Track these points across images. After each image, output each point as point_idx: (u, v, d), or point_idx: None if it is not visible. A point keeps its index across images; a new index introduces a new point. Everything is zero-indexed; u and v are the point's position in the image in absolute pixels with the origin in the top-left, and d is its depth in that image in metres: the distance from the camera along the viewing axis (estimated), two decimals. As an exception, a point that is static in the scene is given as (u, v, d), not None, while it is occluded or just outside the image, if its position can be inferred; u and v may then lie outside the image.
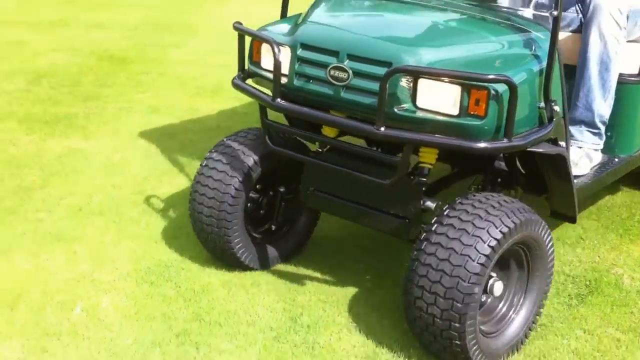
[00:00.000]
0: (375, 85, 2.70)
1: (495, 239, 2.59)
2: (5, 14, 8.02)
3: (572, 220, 3.23)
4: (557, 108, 2.87)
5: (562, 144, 3.00)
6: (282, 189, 3.29)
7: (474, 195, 2.77)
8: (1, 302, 3.06)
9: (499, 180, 3.30)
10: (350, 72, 2.79)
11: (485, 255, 2.57)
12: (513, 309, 2.89)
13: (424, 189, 2.96)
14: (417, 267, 2.63)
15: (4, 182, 4.10)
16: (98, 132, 4.84)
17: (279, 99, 2.94)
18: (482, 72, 2.64)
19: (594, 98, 3.45)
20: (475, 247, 2.57)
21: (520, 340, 2.89)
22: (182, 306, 3.09)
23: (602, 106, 3.48)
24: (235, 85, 3.19)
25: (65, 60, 6.37)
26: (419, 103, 2.69)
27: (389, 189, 2.88)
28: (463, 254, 2.56)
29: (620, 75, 3.48)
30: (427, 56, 2.73)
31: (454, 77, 2.63)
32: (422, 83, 2.67)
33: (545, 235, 2.84)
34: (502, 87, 2.61)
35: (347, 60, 2.81)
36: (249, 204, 3.20)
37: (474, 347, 2.66)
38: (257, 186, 3.24)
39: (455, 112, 2.65)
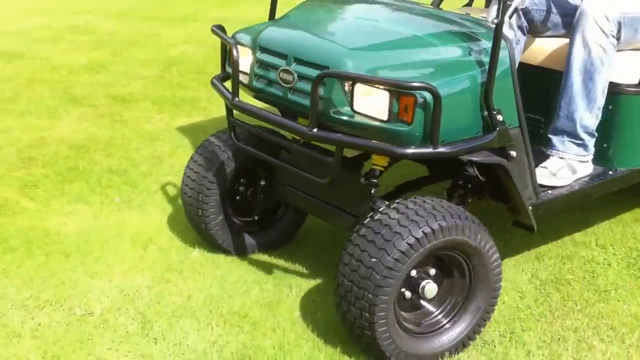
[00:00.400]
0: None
1: (415, 237, 2.61)
2: (145, 11, 8.99)
3: (531, 229, 3.16)
4: (500, 117, 2.83)
5: (514, 153, 2.94)
6: (262, 182, 3.44)
7: (414, 198, 2.79)
8: (136, 244, 3.75)
9: (470, 186, 3.24)
10: (296, 75, 2.87)
11: (401, 252, 2.59)
12: (449, 318, 2.89)
13: (373, 190, 2.99)
14: (343, 255, 2.72)
15: (140, 151, 4.87)
16: (217, 113, 5.55)
17: (237, 98, 3.08)
18: (420, 79, 2.66)
19: (576, 108, 3.35)
20: (393, 243, 2.60)
21: (449, 350, 2.88)
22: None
23: (586, 116, 3.37)
24: (212, 84, 3.33)
25: (193, 51, 7.17)
26: (356, 107, 2.75)
27: (343, 188, 3.00)
28: (381, 247, 2.61)
29: (619, 85, 3.41)
30: (363, 61, 2.77)
31: (379, 84, 2.67)
32: (358, 88, 2.72)
33: (486, 245, 2.80)
34: (430, 95, 2.62)
35: (294, 64, 2.90)
36: (226, 195, 3.45)
37: (387, 341, 2.70)
38: (241, 179, 3.49)
39: (385, 117, 2.69)
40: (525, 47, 3.57)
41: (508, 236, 3.79)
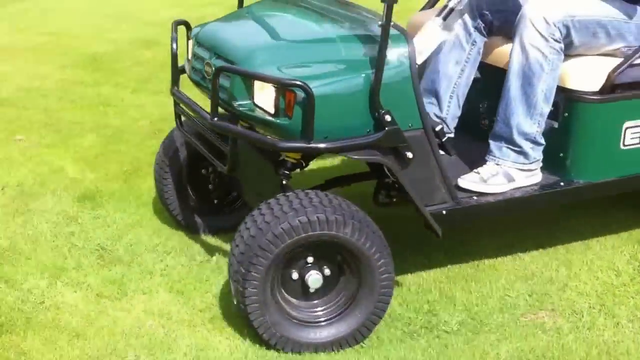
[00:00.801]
0: (226, 82, 2.93)
1: (290, 224, 2.73)
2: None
3: (436, 234, 3.07)
4: (388, 117, 2.84)
5: (410, 154, 2.92)
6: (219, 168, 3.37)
7: (310, 190, 2.90)
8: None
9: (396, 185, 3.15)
10: (214, 68, 3.00)
11: (274, 235, 2.72)
12: (328, 317, 2.93)
13: (285, 181, 3.10)
14: (236, 232, 2.88)
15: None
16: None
17: (176, 87, 3.32)
18: (311, 77, 2.78)
19: (513, 113, 3.24)
20: (270, 225, 2.74)
21: (324, 346, 2.91)
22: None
23: (525, 123, 3.24)
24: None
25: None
26: (256, 101, 2.88)
27: (265, 178, 3.17)
28: (259, 228, 2.76)
29: (577, 92, 3.26)
30: (261, 58, 2.91)
31: (261, 80, 2.83)
32: (256, 83, 2.85)
33: (372, 249, 2.82)
34: (313, 91, 2.73)
35: (214, 58, 3.08)
36: (185, 179, 3.68)
37: (259, 319, 2.82)
38: (202, 164, 3.64)
39: (273, 111, 2.83)
40: (491, 49, 3.52)
41: (609, 219, 3.94)
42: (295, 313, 2.90)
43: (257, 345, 2.94)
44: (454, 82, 3.50)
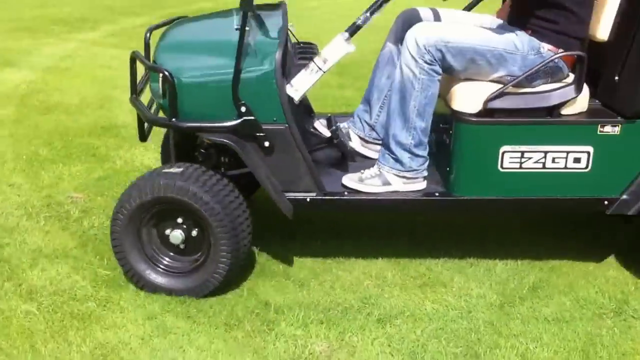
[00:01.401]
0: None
1: (145, 186, 3.36)
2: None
3: (287, 215, 3.48)
4: (243, 109, 3.33)
5: (267, 143, 3.39)
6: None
7: (185, 164, 3.46)
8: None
9: None
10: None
11: (130, 194, 3.39)
12: (176, 269, 3.53)
13: (201, 158, 3.71)
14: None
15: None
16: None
17: (134, 95, 3.66)
18: (188, 69, 3.37)
19: (391, 124, 3.50)
20: (132, 186, 3.41)
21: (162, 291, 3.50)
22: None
23: (401, 134, 3.48)
24: None
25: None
26: (157, 86, 3.53)
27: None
28: (127, 188, 3.45)
29: (458, 112, 3.44)
30: (165, 53, 3.51)
31: (141, 63, 3.53)
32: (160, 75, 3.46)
33: (214, 215, 3.32)
34: (179, 79, 3.34)
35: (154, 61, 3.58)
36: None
37: (124, 263, 3.50)
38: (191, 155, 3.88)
39: (161, 93, 3.47)
40: None
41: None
42: (158, 260, 3.53)
43: (457, 310, 3.33)
44: (385, 94, 3.85)
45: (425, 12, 3.80)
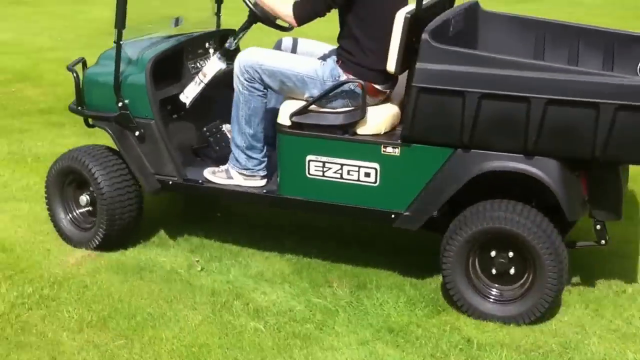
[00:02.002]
0: None
1: (63, 159, 4.55)
2: None
3: (151, 191, 4.51)
4: (120, 104, 4.34)
5: (138, 132, 4.34)
6: None
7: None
8: None
9: None
10: None
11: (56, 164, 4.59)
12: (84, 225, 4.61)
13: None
14: None
15: None
16: None
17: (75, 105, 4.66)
18: (93, 70, 4.57)
19: (232, 129, 4.27)
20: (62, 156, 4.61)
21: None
22: None
23: (237, 138, 4.24)
24: None
25: None
26: None
27: None
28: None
29: (279, 124, 4.09)
30: (94, 65, 4.64)
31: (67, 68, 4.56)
32: None
33: (98, 179, 4.35)
34: (85, 79, 4.55)
35: None
36: None
37: (56, 221, 4.64)
38: None
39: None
40: None
41: None
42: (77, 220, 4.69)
43: None
44: None
45: (287, 41, 4.49)
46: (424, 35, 3.69)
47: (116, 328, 3.76)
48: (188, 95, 4.38)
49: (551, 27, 4.52)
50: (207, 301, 3.99)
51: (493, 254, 3.81)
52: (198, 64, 4.65)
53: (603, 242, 3.92)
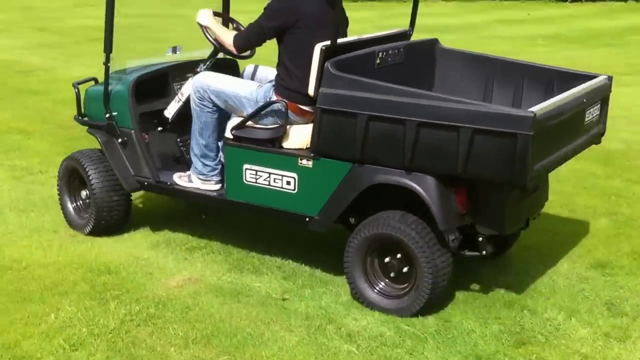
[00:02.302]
0: None
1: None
2: None
3: (127, 189, 5.35)
4: (108, 115, 5.22)
5: (120, 140, 5.26)
6: None
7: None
8: None
9: None
10: None
11: None
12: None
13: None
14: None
15: None
16: None
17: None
18: (94, 87, 5.57)
19: (191, 138, 5.07)
20: None
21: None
22: None
23: (195, 147, 5.05)
24: None
25: None
26: None
27: None
28: None
29: (225, 137, 4.86)
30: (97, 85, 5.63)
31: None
32: None
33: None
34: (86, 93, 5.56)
35: None
36: None
37: (67, 212, 5.62)
38: None
39: None
40: None
41: None
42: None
43: None
44: None
45: (249, 68, 5.29)
46: (327, 64, 4.37)
47: (219, 345, 4.02)
48: (170, 111, 5.26)
49: (500, 63, 5.12)
50: (302, 324, 4.23)
51: (387, 255, 4.38)
52: (182, 85, 5.34)
53: (484, 252, 4.41)
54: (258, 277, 4.81)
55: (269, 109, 4.64)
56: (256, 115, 4.68)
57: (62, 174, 5.54)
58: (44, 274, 4.81)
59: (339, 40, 4.52)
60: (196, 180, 5.09)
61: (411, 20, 5.31)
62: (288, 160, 4.61)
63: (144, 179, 5.23)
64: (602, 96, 4.72)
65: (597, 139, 4.80)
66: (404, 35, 5.25)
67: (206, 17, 4.93)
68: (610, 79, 4.81)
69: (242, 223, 5.68)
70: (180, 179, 5.16)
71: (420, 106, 4.08)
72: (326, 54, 4.41)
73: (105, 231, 5.36)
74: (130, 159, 5.24)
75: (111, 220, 5.35)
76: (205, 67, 5.16)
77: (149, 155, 5.23)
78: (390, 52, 4.86)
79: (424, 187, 4.18)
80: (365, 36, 4.92)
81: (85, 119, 5.55)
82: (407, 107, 4.10)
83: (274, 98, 4.65)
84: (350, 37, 4.82)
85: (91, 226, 5.35)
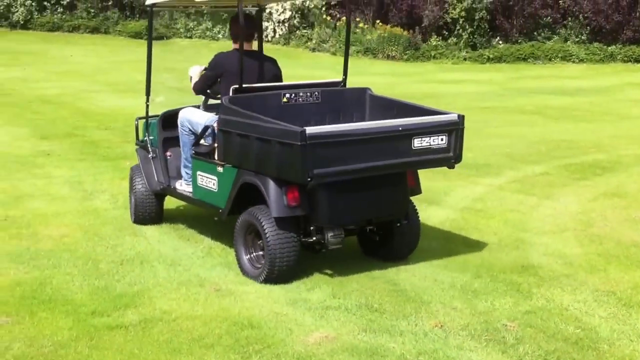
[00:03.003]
0: None
1: None
2: None
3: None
4: (145, 138, 7.37)
5: (142, 152, 7.45)
6: None
7: None
8: None
9: None
10: None
11: None
12: None
13: None
14: None
15: None
16: None
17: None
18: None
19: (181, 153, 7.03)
20: None
21: None
22: None
23: (182, 160, 6.99)
24: None
25: None
26: None
27: None
28: None
29: (194, 152, 6.71)
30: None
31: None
32: None
33: None
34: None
35: None
36: None
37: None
38: None
39: None
40: None
41: None
42: None
43: None
44: None
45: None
46: (223, 99, 6.24)
47: (357, 402, 4.21)
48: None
49: (396, 104, 6.66)
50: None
51: (259, 237, 5.97)
52: None
53: (313, 239, 5.91)
54: (392, 338, 4.98)
55: (208, 131, 6.52)
56: (202, 136, 6.60)
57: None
58: (192, 326, 5.15)
59: (260, 85, 6.57)
60: (183, 184, 7.00)
61: (344, 71, 6.99)
62: (213, 167, 6.42)
63: (161, 183, 7.17)
64: (447, 129, 6.01)
65: (446, 164, 6.14)
66: (337, 83, 7.00)
67: (194, 71, 6.91)
68: (460, 117, 6.07)
69: (376, 284, 5.87)
70: (177, 184, 7.11)
71: (257, 126, 5.81)
72: (234, 93, 6.31)
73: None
74: (156, 169, 7.21)
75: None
76: (202, 105, 7.06)
77: (166, 167, 7.22)
78: (301, 94, 6.60)
79: (264, 185, 5.82)
80: (294, 82, 6.78)
81: (139, 143, 7.62)
82: (249, 127, 5.90)
83: (215, 124, 6.41)
84: (282, 83, 6.77)
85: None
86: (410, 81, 19.78)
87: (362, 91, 6.89)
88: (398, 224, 6.18)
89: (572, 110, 15.34)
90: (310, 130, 5.47)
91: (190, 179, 6.77)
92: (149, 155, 7.22)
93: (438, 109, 6.34)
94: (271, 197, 5.72)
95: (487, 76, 21.15)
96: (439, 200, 8.45)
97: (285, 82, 6.80)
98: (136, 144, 7.62)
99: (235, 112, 6.02)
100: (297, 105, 6.54)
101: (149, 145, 7.25)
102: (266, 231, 5.75)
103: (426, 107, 6.45)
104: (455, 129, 6.02)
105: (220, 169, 6.27)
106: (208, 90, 6.84)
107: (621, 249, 6.78)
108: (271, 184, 5.74)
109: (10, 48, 24.73)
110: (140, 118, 7.59)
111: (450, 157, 6.06)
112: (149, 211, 7.28)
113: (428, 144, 5.90)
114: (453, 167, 6.17)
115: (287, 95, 6.52)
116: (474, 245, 6.86)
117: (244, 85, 6.31)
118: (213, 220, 6.83)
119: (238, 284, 5.89)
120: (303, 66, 20.04)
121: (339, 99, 6.77)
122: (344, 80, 6.99)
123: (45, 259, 6.41)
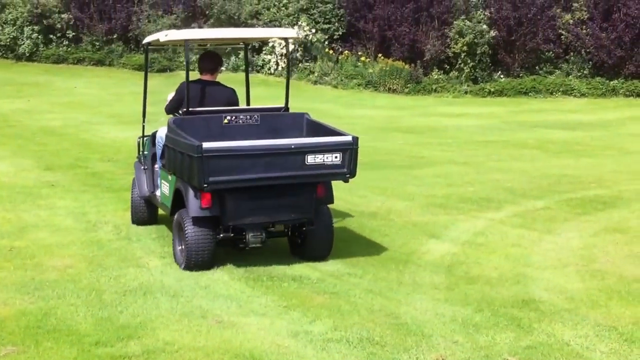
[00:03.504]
0: None
1: None
2: None
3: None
4: (142, 153, 8.76)
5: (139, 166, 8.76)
6: None
7: None
8: None
9: None
10: None
11: None
12: None
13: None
14: None
15: None
16: None
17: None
18: None
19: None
20: None
21: None
22: None
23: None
24: None
25: None
26: None
27: None
28: None
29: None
30: None
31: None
32: None
33: None
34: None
35: None
36: None
37: None
38: None
39: None
40: None
41: None
42: None
43: None
44: None
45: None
46: (169, 119, 7.36)
47: None
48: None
49: (324, 128, 7.54)
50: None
51: None
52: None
53: (220, 237, 7.05)
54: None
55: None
56: (164, 150, 7.58)
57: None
58: (194, 357, 5.18)
59: (206, 109, 7.66)
60: (157, 192, 8.12)
61: (285, 99, 7.93)
62: (167, 175, 7.54)
63: (148, 191, 8.26)
64: (342, 149, 6.91)
65: (341, 178, 7.07)
66: (279, 109, 7.96)
67: (170, 95, 7.96)
68: (354, 138, 6.98)
69: (377, 317, 5.91)
70: (157, 192, 8.11)
71: (182, 142, 6.86)
72: (184, 114, 7.49)
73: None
74: (146, 179, 8.30)
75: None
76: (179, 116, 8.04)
77: (152, 177, 8.27)
78: (241, 117, 7.59)
79: (185, 190, 6.97)
80: (238, 107, 7.84)
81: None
82: (176, 142, 7.01)
83: None
84: (227, 107, 7.71)
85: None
86: (411, 114, 19.92)
87: (300, 116, 7.87)
88: (304, 228, 7.18)
89: (573, 144, 15.45)
90: (206, 145, 6.57)
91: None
92: (142, 167, 8.45)
93: (344, 131, 7.35)
94: (189, 200, 6.89)
95: (488, 110, 21.28)
96: (439, 233, 8.49)
97: (231, 107, 7.81)
98: (136, 158, 8.88)
99: (173, 130, 7.19)
100: (237, 127, 7.55)
101: (142, 159, 8.53)
102: (185, 228, 6.87)
103: (339, 130, 7.42)
104: (349, 149, 6.95)
105: (170, 177, 7.42)
106: (178, 111, 7.72)
107: (623, 284, 6.81)
108: (190, 190, 6.89)
109: (15, 80, 24.92)
110: (141, 137, 8.81)
111: (344, 172, 6.98)
112: (142, 214, 8.59)
113: (322, 160, 6.85)
114: (347, 181, 7.14)
115: (228, 117, 7.55)
116: (475, 280, 6.89)
117: (190, 109, 7.51)
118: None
119: (240, 316, 5.92)
120: (305, 99, 20.15)
121: (277, 122, 7.78)
122: (286, 106, 8.00)
123: (49, 290, 6.46)
